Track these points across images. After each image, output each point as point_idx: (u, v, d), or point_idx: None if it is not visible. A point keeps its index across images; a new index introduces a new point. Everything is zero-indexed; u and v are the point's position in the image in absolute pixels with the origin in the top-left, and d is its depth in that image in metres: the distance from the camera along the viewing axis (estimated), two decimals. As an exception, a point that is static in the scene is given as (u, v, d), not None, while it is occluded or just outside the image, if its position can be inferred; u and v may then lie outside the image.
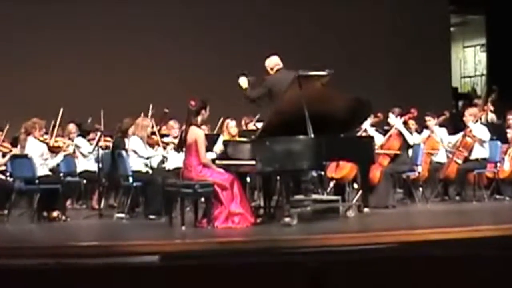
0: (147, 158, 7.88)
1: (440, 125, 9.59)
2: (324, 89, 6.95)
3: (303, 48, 12.29)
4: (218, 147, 8.22)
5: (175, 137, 8.29)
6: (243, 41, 12.64)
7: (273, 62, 7.60)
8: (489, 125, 9.36)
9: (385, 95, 12.09)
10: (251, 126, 9.24)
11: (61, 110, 8.16)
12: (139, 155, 7.81)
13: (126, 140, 8.25)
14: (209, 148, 7.61)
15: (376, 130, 8.97)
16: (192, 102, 6.92)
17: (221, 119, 9.26)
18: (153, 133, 8.16)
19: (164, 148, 8.19)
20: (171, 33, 12.59)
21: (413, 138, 8.69)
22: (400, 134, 8.59)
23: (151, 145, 8.12)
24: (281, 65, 7.60)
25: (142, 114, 8.33)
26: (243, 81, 7.60)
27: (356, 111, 7.18)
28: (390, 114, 8.73)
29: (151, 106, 8.78)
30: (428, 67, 13.83)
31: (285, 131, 6.75)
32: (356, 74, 12.63)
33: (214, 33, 12.68)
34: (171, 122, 8.67)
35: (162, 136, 8.53)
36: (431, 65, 13.94)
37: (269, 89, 7.38)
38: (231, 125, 8.94)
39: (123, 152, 7.89)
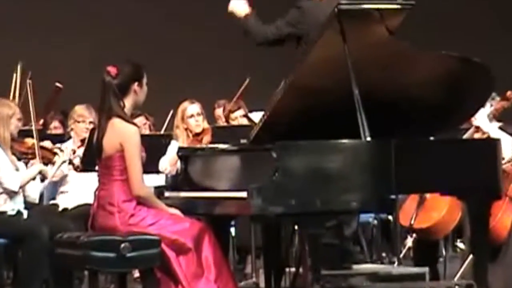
0: (19, 188, 7.87)
1: None
2: (394, 41, 6.61)
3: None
4: (169, 160, 8.56)
5: (82, 141, 8.52)
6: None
7: None
8: None
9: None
10: (236, 118, 9.80)
11: None
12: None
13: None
14: (149, 169, 7.67)
15: (502, 128, 8.68)
16: (112, 69, 6.68)
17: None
18: (25, 132, 8.16)
19: (49, 163, 8.13)
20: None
21: None
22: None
23: (23, 156, 8.09)
24: None
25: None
26: (239, 3, 7.89)
27: (462, 86, 6.87)
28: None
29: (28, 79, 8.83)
30: None
31: (310, 128, 6.60)
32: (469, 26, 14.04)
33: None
34: (81, 109, 8.87)
35: (51, 139, 8.59)
36: None
37: (306, 26, 7.50)
38: (191, 112, 9.06)
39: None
